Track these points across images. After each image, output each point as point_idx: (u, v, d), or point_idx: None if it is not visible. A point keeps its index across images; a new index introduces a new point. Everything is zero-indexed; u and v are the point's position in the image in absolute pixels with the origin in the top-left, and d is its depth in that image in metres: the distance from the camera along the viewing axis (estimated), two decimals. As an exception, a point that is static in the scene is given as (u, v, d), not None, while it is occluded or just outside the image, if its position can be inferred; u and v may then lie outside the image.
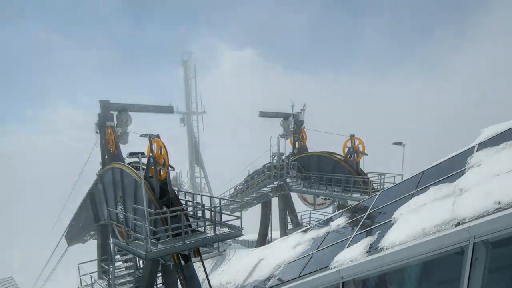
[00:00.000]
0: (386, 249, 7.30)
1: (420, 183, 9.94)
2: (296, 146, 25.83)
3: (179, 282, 12.38)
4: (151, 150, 11.87)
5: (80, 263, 15.22)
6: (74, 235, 19.16)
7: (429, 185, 9.09)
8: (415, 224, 7.23)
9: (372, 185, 19.91)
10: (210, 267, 20.47)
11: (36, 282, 21.53)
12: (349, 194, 19.94)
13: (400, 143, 17.83)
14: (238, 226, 12.55)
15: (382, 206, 10.53)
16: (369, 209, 11.16)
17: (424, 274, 6.51)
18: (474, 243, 5.54)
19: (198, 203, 13.75)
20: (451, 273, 6.14)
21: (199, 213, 13.64)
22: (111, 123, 14.96)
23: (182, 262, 11.90)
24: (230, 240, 20.12)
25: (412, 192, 9.64)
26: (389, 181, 18.81)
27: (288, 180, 24.18)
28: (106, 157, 15.43)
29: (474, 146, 9.06)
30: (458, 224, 5.98)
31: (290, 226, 24.84)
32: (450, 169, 9.08)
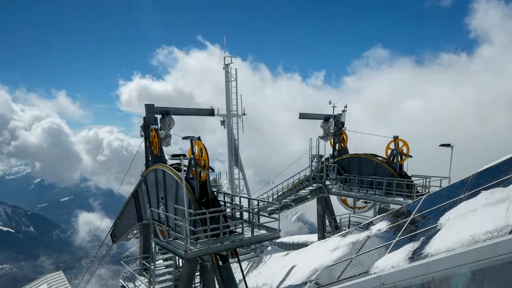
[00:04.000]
0: (431, 256, 6.91)
1: (470, 187, 9.39)
2: (337, 148, 25.32)
3: (216, 282, 12.53)
4: (192, 152, 12.11)
5: (124, 260, 15.90)
6: (118, 233, 20.00)
7: (480, 189, 8.55)
8: (464, 231, 6.80)
9: (417, 189, 19.03)
10: (247, 269, 20.53)
11: (83, 277, 22.73)
12: (392, 198, 19.17)
13: (448, 145, 16.87)
14: (276, 228, 12.48)
15: (427, 210, 10.03)
16: (413, 213, 10.67)
17: (472, 285, 6.07)
18: (530, 253, 5.10)
19: (236, 204, 13.85)
20: (502, 285, 5.68)
21: (237, 214, 13.75)
22: (155, 126, 15.47)
23: (220, 263, 12.03)
24: (267, 242, 20.08)
25: (460, 197, 9.12)
26: (435, 184, 17.89)
27: (327, 182, 23.74)
28: (150, 158, 15.95)
29: (531, 147, 8.38)
30: (512, 231, 5.54)
31: (328, 229, 24.34)
32: (504, 173, 8.48)
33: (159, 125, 15.68)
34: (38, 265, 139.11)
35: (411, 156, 20.20)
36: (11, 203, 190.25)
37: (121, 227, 19.44)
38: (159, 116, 15.69)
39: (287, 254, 19.33)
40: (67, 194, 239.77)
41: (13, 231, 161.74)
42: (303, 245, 25.77)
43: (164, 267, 14.51)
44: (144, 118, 15.57)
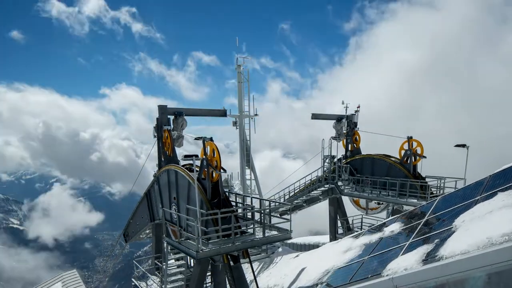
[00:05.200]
0: (445, 258, 6.78)
1: (486, 188, 9.18)
2: (349, 148, 25.12)
3: (227, 283, 12.55)
4: (205, 153, 12.17)
5: (136, 259, 16.07)
6: (131, 232, 20.23)
7: (497, 191, 8.36)
8: (480, 233, 6.65)
9: (431, 190, 18.74)
10: (258, 269, 20.53)
11: (97, 276, 23.03)
12: (405, 199, 18.92)
13: (463, 145, 16.56)
14: (287, 229, 12.44)
15: (442, 212, 9.85)
16: (427, 215, 10.50)
17: (488, 288, 5.93)
18: (549, 256, 4.95)
19: (248, 205, 13.86)
20: (520, 288, 5.53)
21: (249, 215, 13.75)
22: (168, 127, 15.59)
23: (231, 263, 12.05)
24: (278, 242, 20.05)
25: (476, 198, 8.93)
26: (450, 185, 17.58)
27: (339, 183, 23.57)
28: (163, 159, 16.08)
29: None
30: (529, 234, 5.39)
31: (340, 231, 24.16)
32: (522, 173, 8.28)
33: (172, 126, 15.80)
34: (53, 263, 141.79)
35: (425, 157, 19.90)
36: (28, 203, 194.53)
37: (134, 226, 19.66)
38: (171, 117, 15.83)
39: (298, 255, 19.26)
40: (83, 194, 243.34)
41: (29, 229, 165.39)
42: (315, 246, 25.68)
43: (175, 266, 14.60)
44: (157, 119, 15.71)
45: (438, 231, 8.49)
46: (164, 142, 15.80)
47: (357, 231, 19.10)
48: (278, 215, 21.09)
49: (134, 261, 16.59)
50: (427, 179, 19.57)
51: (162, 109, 15.60)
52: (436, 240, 7.96)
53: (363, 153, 24.76)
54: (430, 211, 10.64)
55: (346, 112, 24.54)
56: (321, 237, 29.55)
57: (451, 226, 8.11)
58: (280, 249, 21.95)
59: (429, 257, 7.36)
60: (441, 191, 18.11)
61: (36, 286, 23.18)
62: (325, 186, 23.97)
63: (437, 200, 11.26)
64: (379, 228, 12.76)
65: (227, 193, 13.24)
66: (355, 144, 25.06)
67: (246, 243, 11.65)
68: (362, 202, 24.29)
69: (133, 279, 16.78)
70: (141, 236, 20.31)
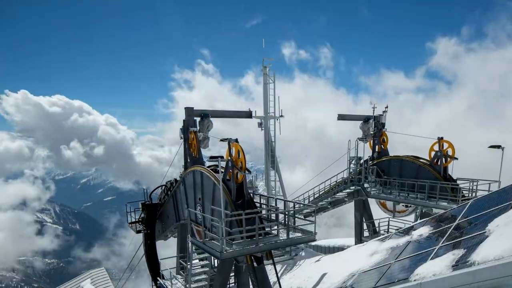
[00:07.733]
0: (478, 264, 6.51)
1: (522, 191, 8.77)
2: (376, 149, 24.59)
3: (251, 283, 12.56)
4: (230, 154, 12.24)
5: (162, 259, 16.35)
6: (157, 232, 20.60)
7: (533, 194, 7.96)
8: (515, 238, 6.35)
9: (462, 193, 18.05)
10: (281, 271, 20.39)
11: (123, 274, 23.65)
12: (435, 202, 18.31)
13: (498, 146, 15.87)
14: (312, 231, 12.31)
15: (474, 216, 9.48)
16: (458, 219, 10.13)
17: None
18: None
19: (272, 206, 13.82)
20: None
21: (273, 216, 13.71)
22: (194, 128, 15.78)
23: (255, 264, 12.05)
24: (302, 244, 19.86)
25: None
26: (484, 188, 16.87)
27: (365, 185, 23.11)
28: (189, 160, 16.30)
29: None
30: None
31: (366, 234, 23.66)
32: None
33: (198, 128, 15.98)
34: (82, 260, 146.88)
35: (456, 158, 19.19)
36: (60, 202, 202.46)
37: (160, 226, 20.03)
38: (198, 119, 16.02)
39: (322, 257, 19.04)
40: (110, 194, 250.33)
41: (61, 228, 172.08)
42: (339, 248, 25.26)
43: (200, 266, 14.75)
44: (183, 121, 15.95)
45: (470, 236, 8.17)
46: (190, 143, 16.01)
47: (383, 234, 18.67)
48: (303, 217, 20.92)
49: (159, 260, 16.90)
50: (458, 182, 18.88)
51: (189, 111, 15.82)
52: (468, 245, 7.67)
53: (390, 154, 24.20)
54: (462, 214, 10.27)
55: (373, 113, 24.06)
56: (346, 239, 29.06)
57: (484, 231, 7.79)
58: (303, 253, 21.74)
59: (460, 263, 7.09)
60: (474, 194, 17.43)
61: (66, 282, 24.05)
62: (351, 188, 23.58)
63: (469, 204, 10.85)
64: (407, 231, 12.43)
65: (251, 194, 13.26)
66: (382, 145, 24.51)
67: (270, 245, 11.61)
68: (389, 204, 23.71)
69: (158, 278, 17.10)
70: (167, 235, 20.66)
